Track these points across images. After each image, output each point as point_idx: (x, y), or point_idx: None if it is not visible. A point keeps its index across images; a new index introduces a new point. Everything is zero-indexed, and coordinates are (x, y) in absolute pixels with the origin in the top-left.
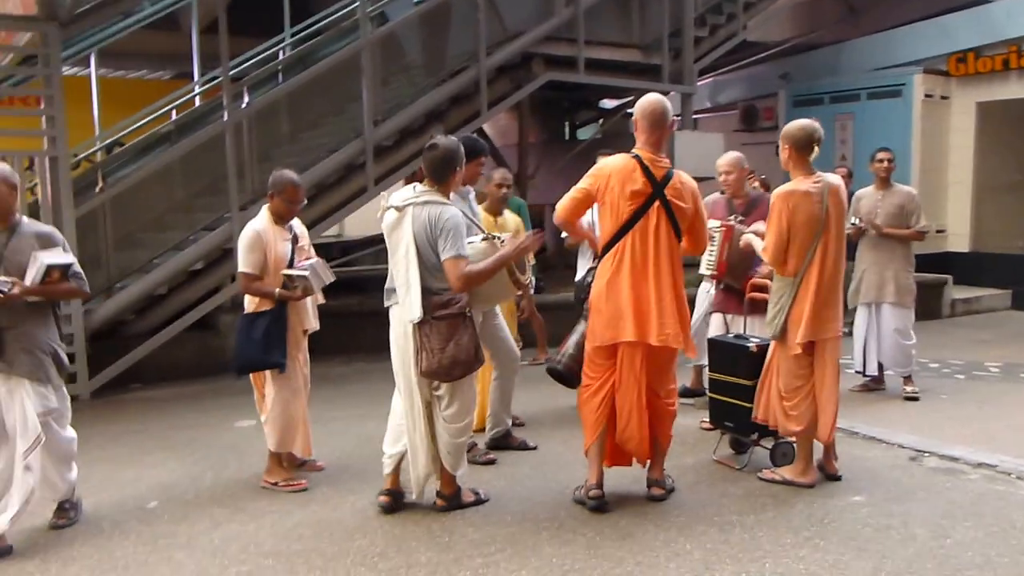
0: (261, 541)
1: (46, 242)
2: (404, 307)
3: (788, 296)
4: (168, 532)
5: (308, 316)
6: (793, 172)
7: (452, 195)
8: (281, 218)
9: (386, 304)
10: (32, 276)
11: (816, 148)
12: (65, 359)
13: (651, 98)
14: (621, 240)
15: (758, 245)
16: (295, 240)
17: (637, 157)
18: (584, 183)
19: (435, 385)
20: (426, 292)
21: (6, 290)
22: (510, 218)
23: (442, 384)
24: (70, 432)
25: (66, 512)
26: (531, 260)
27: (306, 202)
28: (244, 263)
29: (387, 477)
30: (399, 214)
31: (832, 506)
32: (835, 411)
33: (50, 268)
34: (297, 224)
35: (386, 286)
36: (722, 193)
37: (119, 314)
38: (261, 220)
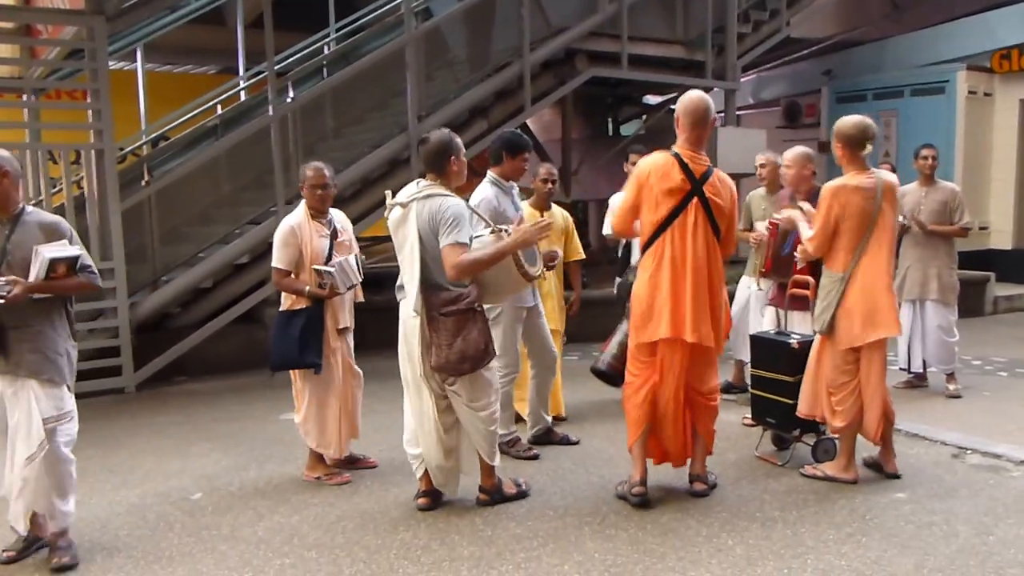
0: (304, 534)
1: (51, 233)
2: (407, 302)
3: (836, 292)
4: (212, 524)
5: (344, 314)
6: (846, 169)
7: (495, 188)
8: (317, 211)
9: (398, 299)
10: (35, 272)
11: (869, 145)
12: (74, 359)
13: (693, 96)
14: (660, 237)
15: (804, 230)
16: (334, 235)
17: (676, 155)
18: (628, 189)
19: (450, 381)
20: (433, 287)
21: (5, 293)
22: (557, 212)
23: (456, 379)
24: (69, 455)
25: (62, 551)
26: (580, 255)
27: (333, 188)
28: (276, 258)
29: (420, 479)
30: (404, 210)
31: (874, 503)
32: (882, 408)
33: (54, 262)
34: (339, 218)
35: (397, 283)
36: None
37: (165, 307)
38: (297, 215)
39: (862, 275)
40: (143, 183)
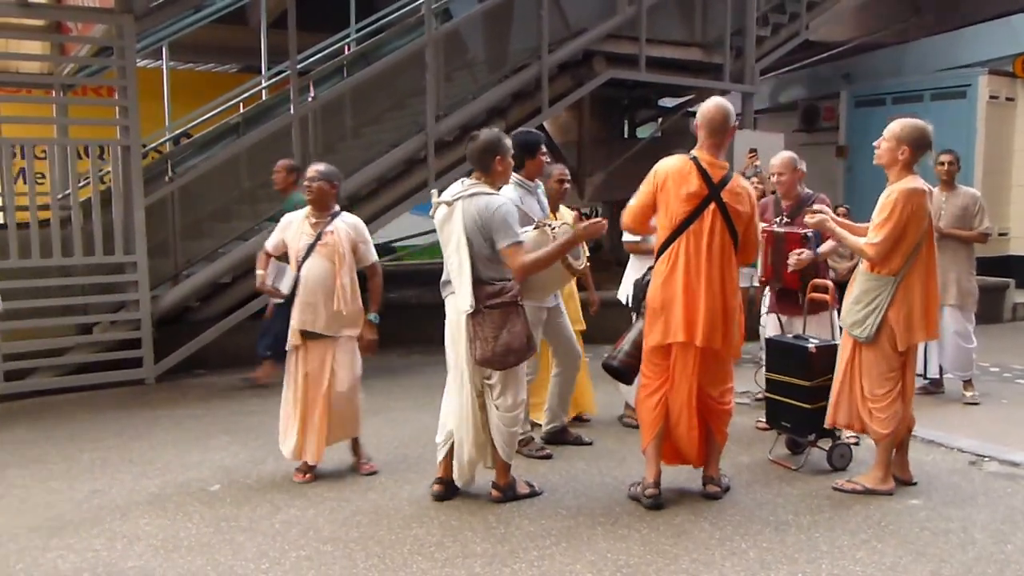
0: (320, 527)
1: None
2: (458, 297)
3: (886, 296)
4: (230, 515)
5: (305, 315)
6: (901, 172)
7: (520, 190)
8: (313, 208)
9: (443, 296)
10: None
11: (930, 149)
12: None
13: (713, 103)
14: (676, 241)
15: (849, 238)
16: (320, 238)
17: (695, 159)
18: (644, 187)
19: (487, 374)
20: (478, 282)
21: None
22: (566, 212)
23: (494, 373)
24: None
25: None
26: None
27: (325, 184)
28: (268, 240)
29: (439, 465)
30: (449, 208)
31: (890, 509)
32: (912, 415)
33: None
34: (340, 221)
35: (442, 279)
36: (773, 193)
37: (185, 301)
38: (302, 210)
39: (917, 278)
40: (166, 179)
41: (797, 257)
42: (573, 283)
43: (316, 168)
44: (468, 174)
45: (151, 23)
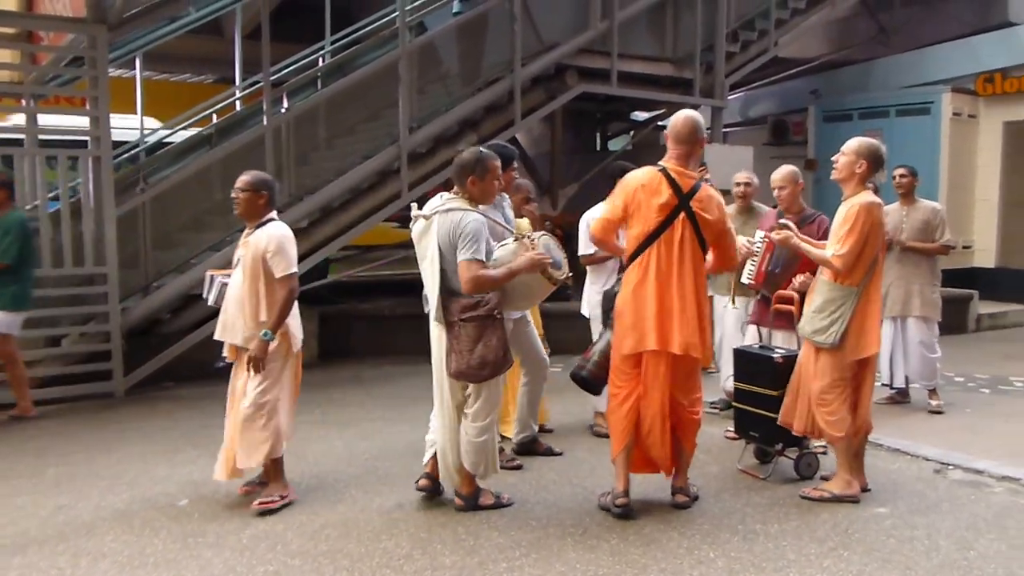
0: (288, 541)
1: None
2: (428, 309)
3: (850, 306)
4: (198, 530)
5: (225, 330)
6: (857, 186)
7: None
8: (243, 219)
9: (425, 309)
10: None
11: (884, 168)
12: None
13: (683, 115)
14: (647, 250)
15: (813, 251)
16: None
17: (663, 170)
18: (612, 200)
19: (466, 386)
20: (455, 295)
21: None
22: (524, 224)
23: (471, 385)
24: None
25: None
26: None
27: (252, 194)
28: None
29: (427, 462)
30: (427, 222)
31: (856, 517)
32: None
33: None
34: (260, 231)
35: (424, 292)
36: (775, 207)
37: (155, 313)
38: None
39: (873, 290)
40: (138, 190)
41: (802, 280)
42: None
43: (242, 178)
44: (447, 187)
45: (124, 33)
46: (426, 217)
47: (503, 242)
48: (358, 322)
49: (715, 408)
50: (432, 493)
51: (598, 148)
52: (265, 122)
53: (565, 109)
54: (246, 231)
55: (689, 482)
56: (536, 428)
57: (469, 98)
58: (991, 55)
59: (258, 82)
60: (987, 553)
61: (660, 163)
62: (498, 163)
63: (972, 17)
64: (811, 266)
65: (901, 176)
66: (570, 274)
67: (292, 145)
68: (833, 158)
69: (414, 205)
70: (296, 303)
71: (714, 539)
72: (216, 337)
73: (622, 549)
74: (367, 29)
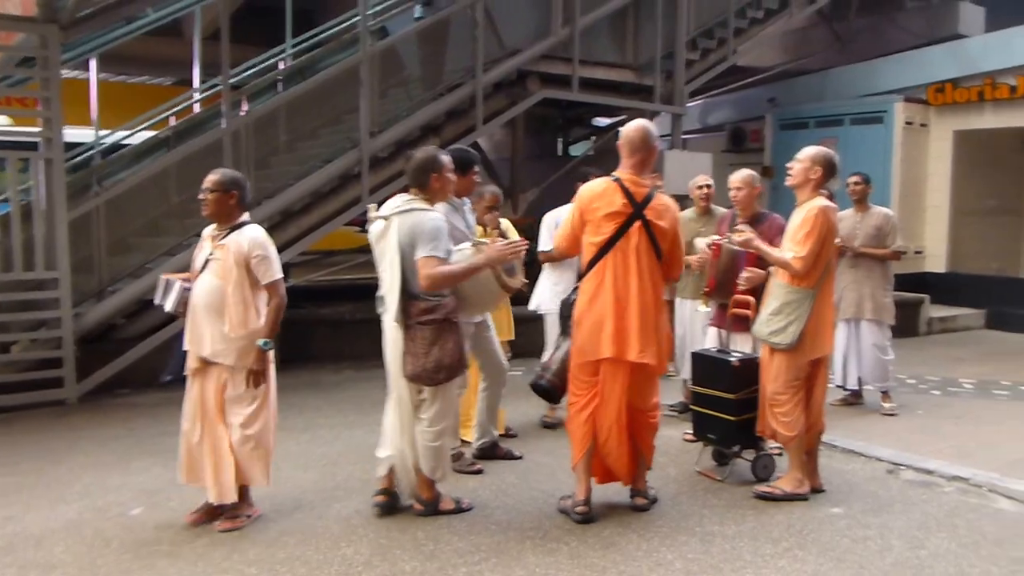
0: (244, 549)
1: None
2: (388, 312)
3: (806, 308)
4: (151, 539)
5: (192, 339)
6: (811, 192)
7: (446, 206)
8: (212, 220)
9: (378, 311)
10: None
11: (836, 176)
12: None
13: (633, 125)
14: (602, 259)
15: (773, 254)
16: (214, 251)
17: (617, 180)
18: (572, 213)
19: (421, 389)
20: (412, 298)
21: None
22: (504, 224)
23: (426, 388)
24: None
25: None
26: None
27: (221, 195)
28: None
29: (382, 478)
30: (386, 224)
31: (811, 517)
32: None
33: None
34: (236, 234)
35: (377, 294)
36: (731, 208)
37: (109, 318)
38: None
39: (827, 292)
40: (92, 192)
41: (748, 275)
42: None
43: (210, 177)
44: (405, 190)
45: (77, 34)
46: (384, 218)
47: (459, 247)
48: (318, 327)
49: (673, 411)
50: (390, 508)
51: (560, 153)
52: (224, 125)
53: (527, 114)
54: (211, 234)
55: (648, 485)
56: (496, 433)
57: (431, 103)
58: (942, 66)
59: (218, 85)
60: (938, 552)
61: (614, 173)
62: (450, 160)
63: (924, 29)
64: (753, 261)
65: (855, 184)
66: (525, 281)
67: (252, 148)
68: (788, 165)
69: (372, 206)
70: None
71: (672, 541)
72: (185, 348)
73: (581, 552)
74: (329, 33)
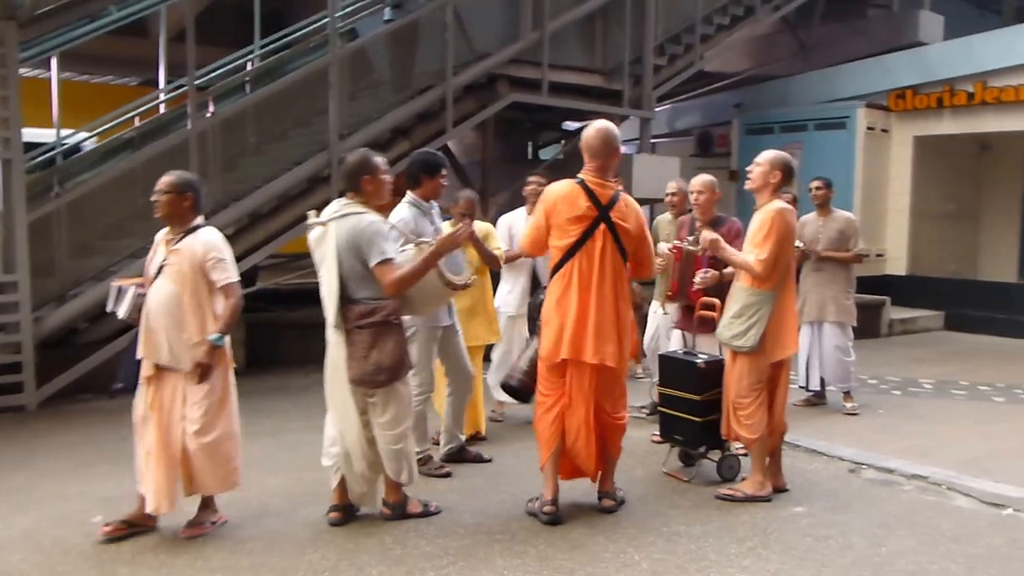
0: (208, 556)
1: None
2: (327, 317)
3: (767, 310)
4: (112, 547)
5: (146, 346)
6: (770, 196)
7: (413, 209)
8: (166, 223)
9: (326, 315)
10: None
11: (793, 180)
12: None
13: (593, 127)
14: (568, 262)
15: (736, 257)
16: (168, 256)
17: (581, 182)
18: (537, 214)
19: (369, 393)
20: (350, 302)
21: None
22: (477, 223)
23: (375, 391)
24: None
25: None
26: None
27: (175, 197)
28: None
29: (333, 492)
30: (324, 229)
31: (775, 516)
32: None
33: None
34: (190, 237)
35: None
36: (690, 211)
37: (71, 322)
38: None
39: (787, 294)
40: (53, 194)
41: (703, 276)
42: (479, 297)
43: (163, 179)
44: (342, 194)
45: (37, 31)
46: (323, 224)
47: (402, 249)
48: (286, 330)
49: (642, 412)
50: (345, 522)
51: (529, 157)
52: (189, 126)
53: (497, 118)
54: (165, 238)
55: (615, 486)
56: (463, 438)
57: (401, 105)
58: (903, 72)
59: (184, 85)
60: (897, 549)
61: (579, 175)
62: (383, 161)
63: (885, 36)
64: (707, 263)
65: (817, 188)
66: (472, 278)
67: (219, 150)
68: (748, 168)
69: (311, 213)
70: None
71: (639, 542)
72: (139, 355)
73: (549, 554)
74: (298, 34)
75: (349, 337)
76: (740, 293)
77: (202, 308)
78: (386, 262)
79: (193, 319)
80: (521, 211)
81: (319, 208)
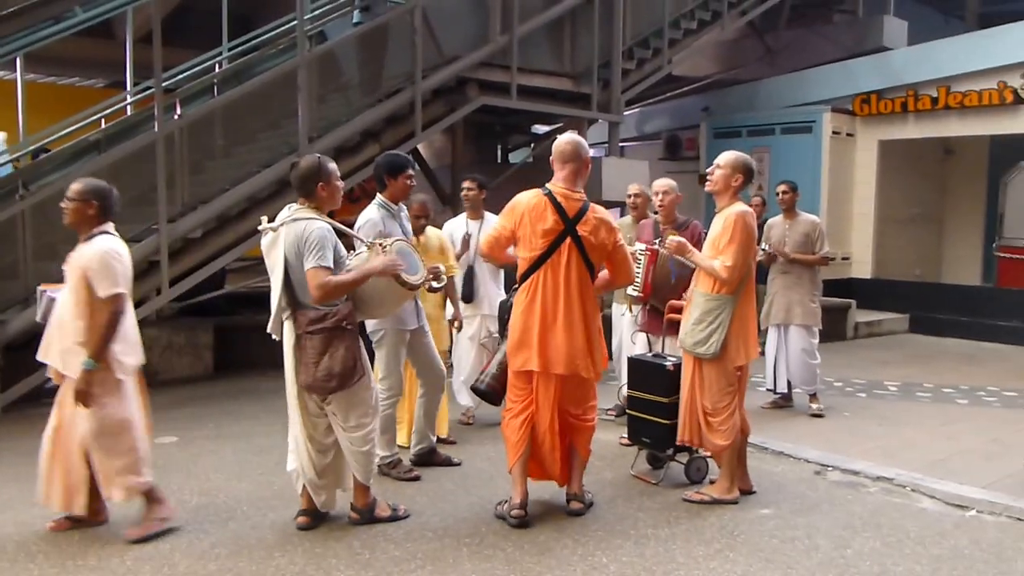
0: (175, 562)
1: None
2: (274, 323)
3: (727, 315)
4: (78, 553)
5: (44, 349)
6: (732, 198)
7: (382, 211)
8: (75, 230)
9: (284, 318)
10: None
11: (752, 181)
12: None
13: (563, 137)
14: (534, 274)
15: (703, 261)
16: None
17: (549, 193)
18: (502, 220)
19: (327, 399)
20: (301, 308)
21: None
22: (431, 233)
23: (331, 397)
24: None
25: None
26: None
27: (79, 204)
28: None
29: (301, 496)
30: (275, 234)
31: (742, 518)
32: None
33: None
34: (85, 246)
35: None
36: (654, 213)
37: (36, 325)
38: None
39: (748, 297)
40: (17, 196)
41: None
42: (434, 304)
43: (72, 186)
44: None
45: (1, 32)
46: (274, 229)
47: (357, 251)
48: (255, 334)
49: (610, 415)
50: (313, 527)
51: (499, 160)
52: (156, 128)
53: (466, 121)
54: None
55: (584, 488)
56: (434, 439)
57: (369, 109)
58: (867, 77)
59: (150, 88)
60: (863, 551)
61: (547, 185)
62: (335, 167)
63: (850, 41)
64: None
65: (783, 192)
66: (430, 277)
67: (186, 153)
68: (708, 170)
69: (263, 218)
70: (135, 324)
71: (607, 545)
72: (39, 357)
73: (517, 558)
74: (266, 37)
75: (299, 343)
76: (699, 298)
77: (83, 318)
78: (319, 268)
79: (72, 328)
80: (462, 217)
81: None
